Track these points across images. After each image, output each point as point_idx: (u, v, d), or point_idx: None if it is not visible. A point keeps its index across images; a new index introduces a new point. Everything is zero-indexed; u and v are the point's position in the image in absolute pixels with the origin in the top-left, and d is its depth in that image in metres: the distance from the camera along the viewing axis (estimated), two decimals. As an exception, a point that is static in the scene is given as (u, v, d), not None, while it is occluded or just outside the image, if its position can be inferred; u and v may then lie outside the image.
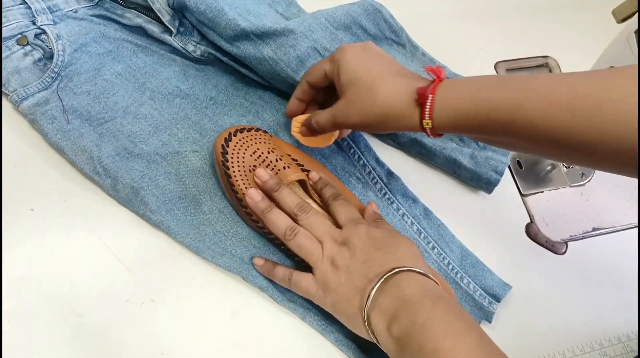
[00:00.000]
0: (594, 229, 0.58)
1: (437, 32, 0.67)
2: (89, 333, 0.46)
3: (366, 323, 0.41)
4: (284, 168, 0.50)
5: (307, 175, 0.52)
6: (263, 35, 0.54)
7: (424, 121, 0.41)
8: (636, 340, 0.53)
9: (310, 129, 0.49)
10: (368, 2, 0.61)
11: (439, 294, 0.40)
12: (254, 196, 0.48)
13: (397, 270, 0.42)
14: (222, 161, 0.49)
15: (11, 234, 0.49)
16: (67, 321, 0.46)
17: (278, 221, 0.47)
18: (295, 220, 0.48)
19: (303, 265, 0.48)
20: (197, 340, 0.47)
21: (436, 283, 0.42)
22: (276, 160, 0.51)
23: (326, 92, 0.51)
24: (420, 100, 0.41)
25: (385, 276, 0.41)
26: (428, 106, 0.40)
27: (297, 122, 0.51)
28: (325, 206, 0.51)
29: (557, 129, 0.35)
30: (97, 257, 0.49)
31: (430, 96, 0.40)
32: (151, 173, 0.52)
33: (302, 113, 0.52)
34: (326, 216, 0.49)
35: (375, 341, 0.42)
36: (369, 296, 0.41)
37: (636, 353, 0.53)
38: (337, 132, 0.52)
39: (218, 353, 0.47)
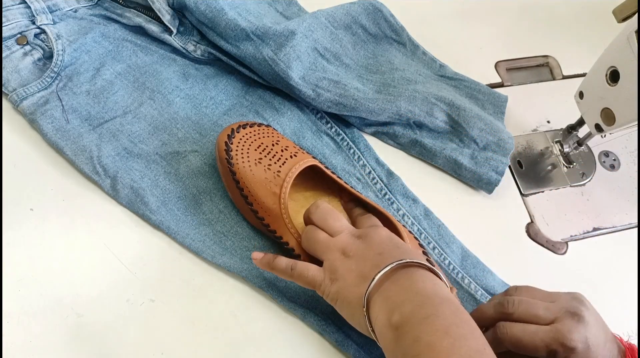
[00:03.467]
0: (594, 229, 0.58)
1: (437, 32, 0.67)
2: (89, 333, 0.46)
3: (364, 309, 0.39)
4: (292, 156, 0.50)
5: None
6: (263, 36, 0.54)
7: None
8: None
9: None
10: (368, 1, 0.61)
11: (451, 298, 0.38)
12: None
13: (413, 261, 0.40)
14: (226, 158, 0.49)
15: (11, 234, 0.49)
16: (67, 321, 0.46)
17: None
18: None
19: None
20: (197, 340, 0.47)
21: (451, 288, 0.41)
22: (282, 151, 0.50)
23: None
24: None
25: (398, 263, 0.39)
26: None
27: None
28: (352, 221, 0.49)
29: None
30: (97, 257, 0.49)
31: None
32: (151, 173, 0.52)
33: None
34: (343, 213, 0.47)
35: (369, 330, 0.39)
36: (373, 279, 0.39)
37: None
38: None
39: (218, 353, 0.47)
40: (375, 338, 0.39)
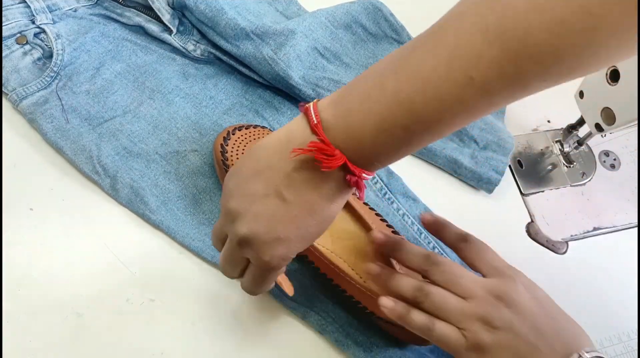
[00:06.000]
0: (595, 228, 0.58)
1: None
2: (89, 333, 0.46)
3: None
4: None
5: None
6: (263, 35, 0.54)
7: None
8: (636, 340, 0.53)
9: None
10: (368, 0, 0.61)
11: None
12: (388, 305, 0.40)
13: (587, 355, 0.36)
14: (222, 160, 0.49)
15: (11, 234, 0.49)
16: (67, 321, 0.46)
17: (402, 283, 0.40)
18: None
19: (319, 276, 0.47)
20: (197, 340, 0.47)
21: None
22: None
23: None
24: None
25: None
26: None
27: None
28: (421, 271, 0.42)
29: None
30: (96, 257, 0.49)
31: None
32: (151, 173, 0.52)
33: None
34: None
35: None
36: None
37: (636, 353, 0.53)
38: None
39: (218, 353, 0.47)
40: None
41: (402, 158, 0.33)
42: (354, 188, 0.34)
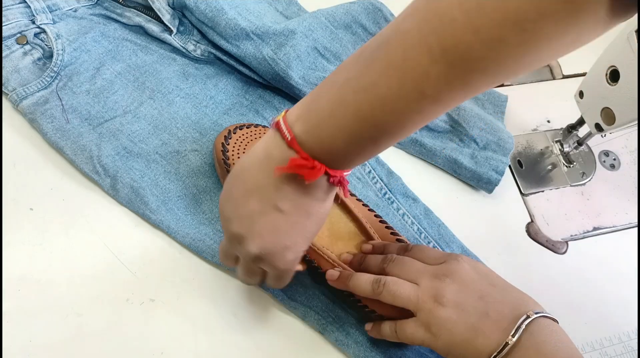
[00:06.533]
0: (595, 228, 0.58)
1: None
2: (89, 333, 0.46)
3: None
4: None
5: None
6: (263, 35, 0.54)
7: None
8: (636, 340, 0.53)
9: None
10: (368, 0, 0.61)
11: (572, 354, 0.37)
12: (333, 276, 0.45)
13: (535, 315, 0.38)
14: (222, 159, 0.49)
15: (10, 233, 0.49)
16: (67, 321, 0.46)
17: (360, 281, 0.43)
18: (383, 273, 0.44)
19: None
20: (197, 340, 0.47)
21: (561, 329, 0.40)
22: None
23: None
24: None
25: (528, 322, 0.38)
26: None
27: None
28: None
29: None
30: (96, 257, 0.49)
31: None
32: (151, 173, 0.52)
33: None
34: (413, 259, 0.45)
35: None
36: (505, 345, 0.37)
37: (636, 353, 0.53)
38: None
39: (218, 353, 0.47)
40: None
41: (376, 155, 0.38)
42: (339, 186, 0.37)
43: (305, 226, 0.38)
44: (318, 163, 0.34)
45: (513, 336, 0.37)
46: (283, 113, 0.36)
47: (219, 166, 0.51)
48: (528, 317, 0.38)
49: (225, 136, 0.50)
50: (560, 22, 0.27)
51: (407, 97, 0.31)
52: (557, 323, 0.40)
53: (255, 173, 0.36)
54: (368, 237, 0.49)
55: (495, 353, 0.37)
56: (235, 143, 0.50)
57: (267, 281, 0.43)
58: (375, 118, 0.32)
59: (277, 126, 0.35)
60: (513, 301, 0.40)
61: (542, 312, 0.39)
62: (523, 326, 0.38)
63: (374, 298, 0.43)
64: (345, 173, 0.36)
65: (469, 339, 0.38)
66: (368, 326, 0.47)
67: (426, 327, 0.40)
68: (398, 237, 0.49)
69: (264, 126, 0.53)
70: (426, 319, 0.40)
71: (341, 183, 0.36)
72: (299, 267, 0.44)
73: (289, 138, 0.34)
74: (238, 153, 0.50)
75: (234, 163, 0.49)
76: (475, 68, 0.29)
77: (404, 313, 0.42)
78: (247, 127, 0.52)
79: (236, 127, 0.51)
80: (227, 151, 0.50)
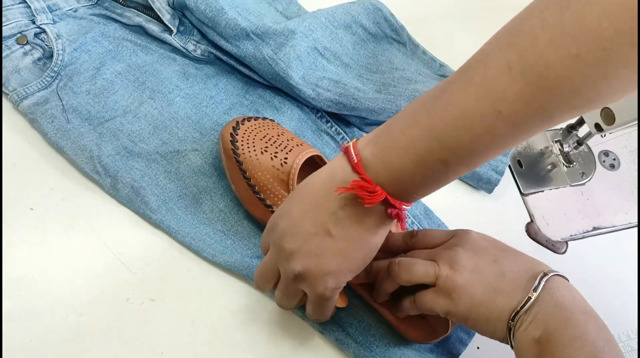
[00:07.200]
0: (594, 228, 0.58)
1: (437, 31, 0.67)
2: (89, 332, 0.46)
3: (513, 327, 0.38)
4: (297, 145, 0.50)
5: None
6: (263, 35, 0.54)
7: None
8: (636, 340, 0.53)
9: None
10: (368, 0, 0.61)
11: (591, 311, 0.38)
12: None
13: (552, 273, 0.39)
14: (231, 148, 0.49)
15: (11, 233, 0.49)
16: (67, 321, 0.46)
17: (378, 265, 0.44)
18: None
19: None
20: (197, 340, 0.47)
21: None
22: (287, 140, 0.50)
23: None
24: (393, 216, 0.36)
25: (545, 279, 0.38)
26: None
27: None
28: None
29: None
30: (96, 257, 0.49)
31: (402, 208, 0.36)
32: (151, 172, 0.52)
33: None
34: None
35: (509, 343, 0.39)
36: (527, 299, 0.38)
37: (636, 353, 0.53)
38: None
39: (218, 353, 0.47)
40: (511, 347, 0.39)
41: (439, 188, 0.37)
42: (395, 219, 0.37)
43: (352, 256, 0.38)
44: (380, 188, 0.34)
45: (535, 291, 0.38)
46: (355, 140, 0.37)
47: (227, 157, 0.50)
48: (545, 274, 0.39)
49: (233, 127, 0.50)
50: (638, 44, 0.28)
51: (483, 115, 0.31)
52: (569, 281, 0.40)
53: (316, 192, 0.37)
54: None
55: (518, 309, 0.38)
56: (245, 133, 0.50)
57: (306, 309, 0.43)
58: (448, 137, 0.32)
59: (346, 150, 0.36)
60: (526, 263, 0.41)
61: (556, 272, 0.40)
62: (543, 283, 0.38)
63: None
64: (405, 207, 0.36)
65: (489, 300, 0.39)
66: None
67: (445, 294, 0.40)
68: None
69: (271, 120, 0.53)
70: (444, 286, 0.40)
71: (399, 216, 0.36)
72: (340, 303, 0.44)
73: (355, 161, 0.35)
74: (247, 142, 0.49)
75: (243, 152, 0.49)
76: (553, 89, 0.29)
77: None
78: (255, 119, 0.52)
79: (244, 119, 0.51)
80: (236, 141, 0.49)
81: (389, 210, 0.36)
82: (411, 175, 0.34)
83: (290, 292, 0.41)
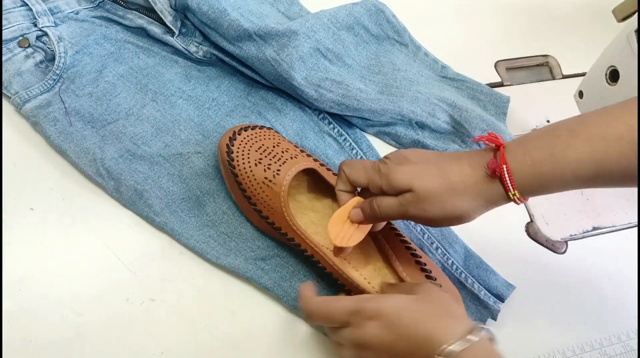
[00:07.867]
0: (594, 228, 0.58)
1: (437, 31, 0.67)
2: (89, 332, 0.46)
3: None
4: (292, 158, 0.50)
5: None
6: (265, 36, 0.54)
7: (509, 193, 0.40)
8: (636, 340, 0.53)
9: (369, 215, 0.43)
10: (370, 2, 0.61)
11: None
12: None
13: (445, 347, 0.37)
14: (227, 160, 0.49)
15: (11, 233, 0.49)
16: (67, 321, 0.46)
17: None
18: None
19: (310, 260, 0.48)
20: (197, 340, 0.47)
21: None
22: (282, 152, 0.50)
23: None
24: (494, 175, 0.39)
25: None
26: (507, 178, 0.39)
27: (345, 210, 0.45)
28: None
29: None
30: (97, 257, 0.49)
31: (504, 166, 0.39)
32: (154, 175, 0.52)
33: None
34: None
35: None
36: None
37: (636, 353, 0.52)
38: (369, 226, 0.45)
39: (218, 353, 0.47)
40: None
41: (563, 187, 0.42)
42: None
43: None
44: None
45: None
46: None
47: (224, 168, 0.51)
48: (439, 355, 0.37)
49: (230, 137, 0.50)
50: None
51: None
52: (483, 332, 0.38)
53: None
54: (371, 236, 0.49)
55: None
56: (240, 144, 0.50)
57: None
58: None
59: (500, 174, 0.40)
60: (419, 342, 0.39)
61: (454, 341, 0.37)
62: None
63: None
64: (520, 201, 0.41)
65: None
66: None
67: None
68: (402, 238, 0.49)
69: (268, 128, 0.53)
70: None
71: (502, 176, 0.40)
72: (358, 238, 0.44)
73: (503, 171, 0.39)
74: (242, 154, 0.50)
75: (238, 164, 0.49)
76: None
77: None
78: (252, 129, 0.52)
79: (241, 129, 0.51)
80: (232, 153, 0.49)
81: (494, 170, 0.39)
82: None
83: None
